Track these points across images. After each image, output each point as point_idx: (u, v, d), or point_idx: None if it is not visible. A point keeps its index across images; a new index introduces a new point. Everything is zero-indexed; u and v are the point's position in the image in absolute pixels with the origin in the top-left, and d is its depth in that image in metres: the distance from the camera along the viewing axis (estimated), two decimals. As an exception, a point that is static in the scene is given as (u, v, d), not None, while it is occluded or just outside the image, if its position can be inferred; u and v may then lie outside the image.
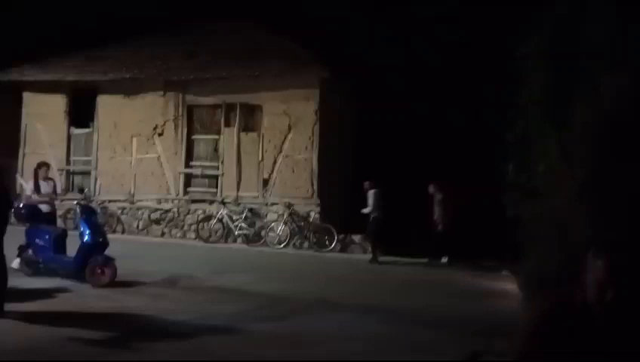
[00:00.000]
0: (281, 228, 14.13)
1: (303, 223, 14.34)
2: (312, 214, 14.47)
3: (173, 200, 15.52)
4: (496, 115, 5.59)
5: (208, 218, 14.87)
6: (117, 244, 9.55)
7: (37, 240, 8.60)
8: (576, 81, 3.81)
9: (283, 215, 14.31)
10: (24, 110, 16.63)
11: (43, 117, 16.41)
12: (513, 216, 5.16)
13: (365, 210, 12.70)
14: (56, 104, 16.38)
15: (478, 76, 12.04)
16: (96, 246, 8.42)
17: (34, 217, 8.91)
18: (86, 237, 8.41)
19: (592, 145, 3.60)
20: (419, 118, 14.49)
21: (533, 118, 4.29)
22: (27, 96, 16.60)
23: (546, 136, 4.11)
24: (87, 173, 16.25)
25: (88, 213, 8.77)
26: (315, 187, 14.56)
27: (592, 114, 3.61)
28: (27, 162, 16.52)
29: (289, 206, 14.23)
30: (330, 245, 13.81)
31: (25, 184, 9.38)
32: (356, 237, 14.03)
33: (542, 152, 4.22)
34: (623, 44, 3.74)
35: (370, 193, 12.70)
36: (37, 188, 9.29)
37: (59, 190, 9.71)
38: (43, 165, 9.87)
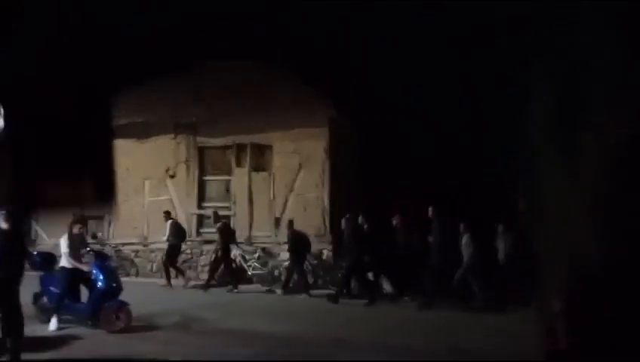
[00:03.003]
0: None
1: (316, 262, 14.26)
2: (325, 252, 14.41)
3: (186, 242, 15.52)
4: (501, 140, 5.60)
5: (221, 259, 14.83)
6: (131, 288, 9.54)
7: (51, 288, 8.61)
8: (581, 106, 3.82)
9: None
10: (39, 157, 16.87)
11: (57, 163, 16.62)
12: (526, 246, 5.11)
13: (164, 238, 14.00)
14: (70, 150, 16.61)
15: (482, 103, 12.13)
16: (110, 292, 8.42)
17: (48, 265, 8.94)
18: (99, 283, 8.41)
19: (600, 171, 3.60)
20: (428, 153, 14.53)
21: (538, 143, 4.28)
22: (41, 143, 16.86)
23: (553, 162, 4.10)
24: (100, 218, 16.34)
25: (101, 259, 8.80)
26: (328, 225, 14.55)
27: (598, 139, 3.62)
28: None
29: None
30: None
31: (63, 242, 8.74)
32: (370, 275, 13.88)
33: (549, 179, 4.20)
34: (626, 69, 3.76)
35: (168, 223, 14.03)
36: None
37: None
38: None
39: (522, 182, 4.38)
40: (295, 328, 8.93)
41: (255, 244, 14.79)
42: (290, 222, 13.71)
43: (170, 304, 11.05)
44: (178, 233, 14.14)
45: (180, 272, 14.11)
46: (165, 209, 15.18)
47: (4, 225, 6.77)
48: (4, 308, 6.82)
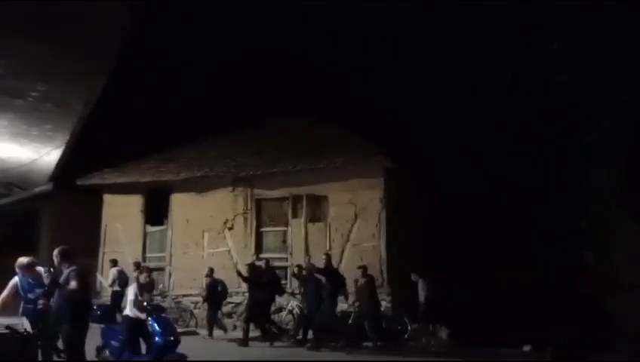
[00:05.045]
0: (353, 318, 13.81)
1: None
2: (383, 304, 14.14)
3: (244, 293, 15.55)
4: (568, 200, 5.44)
5: (279, 310, 14.78)
6: (190, 340, 9.54)
7: (112, 342, 8.70)
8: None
9: (354, 304, 14.03)
10: (104, 211, 17.54)
11: (121, 217, 17.24)
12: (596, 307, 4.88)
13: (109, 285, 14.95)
14: (133, 204, 17.21)
15: (546, 159, 11.91)
16: (168, 346, 8.41)
17: (108, 317, 9.10)
18: (157, 338, 8.38)
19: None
20: (489, 203, 14.26)
21: (608, 204, 4.14)
22: (107, 198, 17.57)
23: (624, 224, 3.95)
24: (161, 269, 16.69)
25: (157, 312, 8.82)
26: (385, 275, 14.33)
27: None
28: (106, 261, 17.24)
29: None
30: (404, 335, 13.36)
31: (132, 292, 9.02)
32: (430, 326, 13.54)
33: (621, 241, 4.03)
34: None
35: (113, 270, 14.94)
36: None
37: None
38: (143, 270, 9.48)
39: (593, 242, 4.25)
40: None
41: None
42: (211, 270, 14.46)
43: (229, 357, 11.02)
44: (121, 280, 14.76)
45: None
46: (225, 260, 15.40)
47: (73, 283, 7.01)
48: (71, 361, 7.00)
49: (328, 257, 13.58)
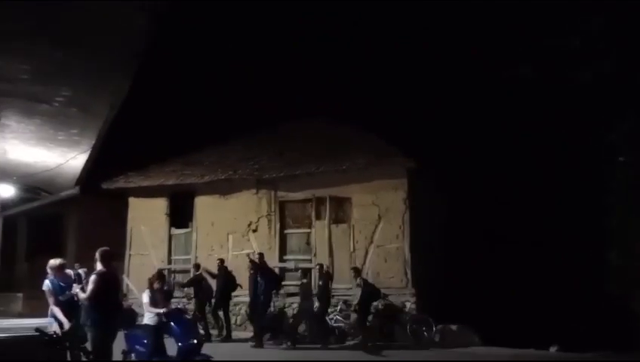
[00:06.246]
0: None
1: (398, 314, 13.91)
2: (408, 304, 14.06)
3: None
4: (592, 197, 5.34)
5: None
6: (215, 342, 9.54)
7: (137, 346, 8.64)
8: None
9: (378, 306, 13.98)
10: (129, 214, 17.72)
11: (146, 220, 17.42)
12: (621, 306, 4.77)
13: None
14: (158, 207, 17.37)
15: (569, 158, 11.72)
16: (191, 349, 8.38)
17: (130, 321, 9.12)
18: (179, 343, 8.35)
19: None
20: (512, 203, 14.09)
21: (632, 203, 4.05)
22: (132, 201, 17.75)
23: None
24: (187, 272, 16.80)
25: (177, 316, 8.67)
26: (409, 276, 14.25)
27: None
28: (132, 263, 17.46)
29: (384, 296, 13.91)
30: (429, 336, 13.26)
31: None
32: (455, 327, 13.42)
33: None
34: None
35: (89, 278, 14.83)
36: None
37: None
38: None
39: (617, 241, 4.16)
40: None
41: (337, 297, 14.63)
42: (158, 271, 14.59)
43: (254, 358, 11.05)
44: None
45: None
46: (246, 262, 15.44)
47: (89, 288, 7.10)
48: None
49: (260, 255, 14.00)
